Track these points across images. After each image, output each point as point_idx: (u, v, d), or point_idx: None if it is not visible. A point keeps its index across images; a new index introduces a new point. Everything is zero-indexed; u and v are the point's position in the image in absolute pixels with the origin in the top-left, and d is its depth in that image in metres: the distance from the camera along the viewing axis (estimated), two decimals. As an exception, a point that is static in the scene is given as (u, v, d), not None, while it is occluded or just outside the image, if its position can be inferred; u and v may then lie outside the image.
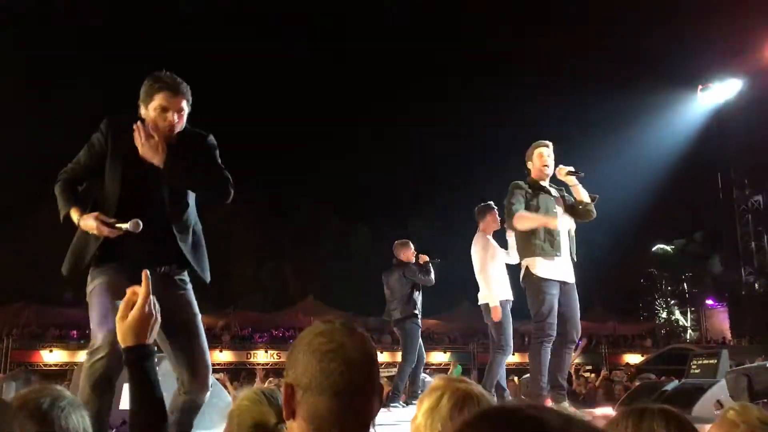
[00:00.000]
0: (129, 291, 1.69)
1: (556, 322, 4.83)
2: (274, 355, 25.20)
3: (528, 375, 7.51)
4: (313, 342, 1.33)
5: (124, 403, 3.71)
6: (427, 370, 11.50)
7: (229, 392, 5.84)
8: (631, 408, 1.48)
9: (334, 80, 38.71)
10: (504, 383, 6.92)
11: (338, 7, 38.65)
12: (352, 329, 1.37)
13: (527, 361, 5.36)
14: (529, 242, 4.98)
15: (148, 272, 1.70)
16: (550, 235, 4.88)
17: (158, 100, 2.96)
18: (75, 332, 24.84)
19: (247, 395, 1.86)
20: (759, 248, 33.09)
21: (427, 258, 7.44)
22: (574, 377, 10.91)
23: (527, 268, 5.03)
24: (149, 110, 2.99)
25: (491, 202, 6.85)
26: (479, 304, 6.65)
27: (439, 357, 25.61)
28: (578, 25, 35.77)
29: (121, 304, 1.68)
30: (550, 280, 4.86)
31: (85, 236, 3.01)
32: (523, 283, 5.11)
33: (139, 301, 1.67)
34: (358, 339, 1.35)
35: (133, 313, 1.66)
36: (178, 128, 3.04)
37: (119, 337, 1.67)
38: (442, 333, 28.39)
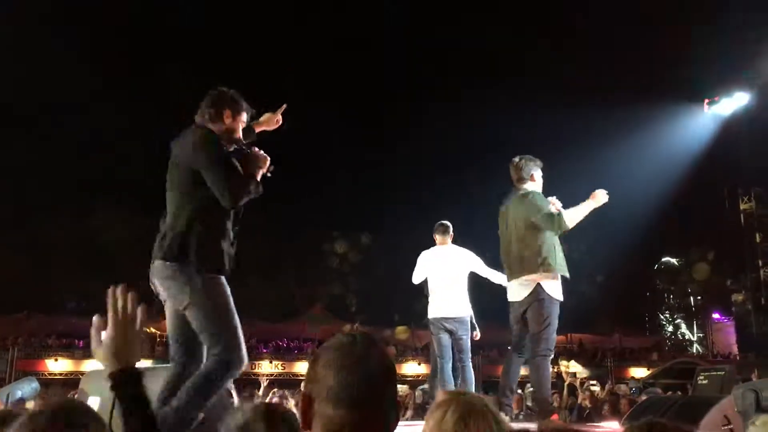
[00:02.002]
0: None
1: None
2: (279, 366, 24.99)
3: (531, 387, 7.44)
4: (333, 355, 1.34)
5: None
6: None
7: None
8: (653, 422, 1.41)
9: (333, 84, 38.53)
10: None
11: (337, 7, 38.64)
12: (372, 342, 1.38)
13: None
14: None
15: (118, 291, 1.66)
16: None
17: (244, 116, 3.46)
18: (80, 342, 24.82)
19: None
20: (766, 262, 32.94)
21: None
22: (579, 390, 10.81)
23: None
24: (235, 120, 3.40)
25: None
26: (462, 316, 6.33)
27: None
28: (583, 37, 35.80)
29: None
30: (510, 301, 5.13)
31: (215, 229, 3.20)
32: None
33: (111, 324, 1.61)
34: (377, 353, 1.36)
35: (108, 334, 1.61)
36: None
37: (102, 361, 1.62)
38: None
